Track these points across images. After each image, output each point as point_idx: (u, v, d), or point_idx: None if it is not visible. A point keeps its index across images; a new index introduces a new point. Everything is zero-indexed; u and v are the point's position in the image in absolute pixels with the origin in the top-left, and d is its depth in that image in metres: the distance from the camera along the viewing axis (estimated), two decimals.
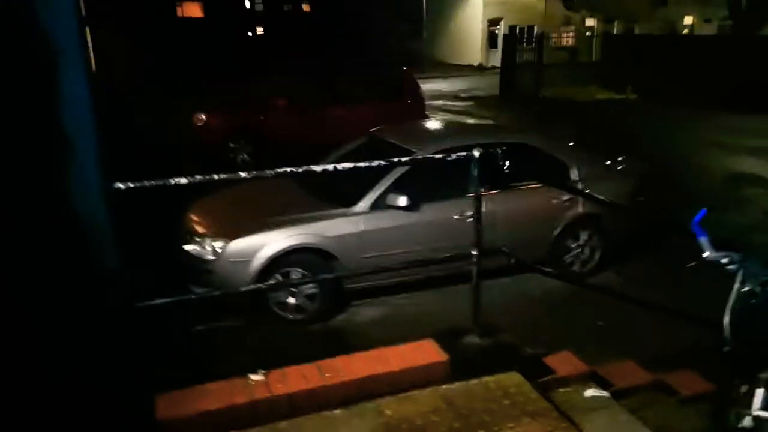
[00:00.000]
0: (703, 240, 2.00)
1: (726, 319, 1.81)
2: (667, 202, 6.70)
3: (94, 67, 17.26)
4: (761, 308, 1.73)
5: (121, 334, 0.59)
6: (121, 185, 2.18)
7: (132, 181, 2.21)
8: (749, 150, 10.88)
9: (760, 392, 1.64)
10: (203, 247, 4.43)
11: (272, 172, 2.57)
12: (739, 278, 1.82)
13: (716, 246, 2.00)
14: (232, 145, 9.25)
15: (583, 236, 5.38)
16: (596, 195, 4.70)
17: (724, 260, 1.86)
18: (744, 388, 1.69)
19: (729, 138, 11.93)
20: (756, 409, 1.63)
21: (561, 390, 2.92)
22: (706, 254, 1.96)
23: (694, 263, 2.07)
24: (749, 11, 23.05)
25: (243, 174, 2.56)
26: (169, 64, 17.45)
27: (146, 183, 2.21)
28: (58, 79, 0.49)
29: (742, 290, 1.78)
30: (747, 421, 1.63)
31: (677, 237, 5.54)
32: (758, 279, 1.77)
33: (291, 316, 4.50)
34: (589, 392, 2.89)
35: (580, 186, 5.28)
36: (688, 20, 34.72)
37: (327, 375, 2.67)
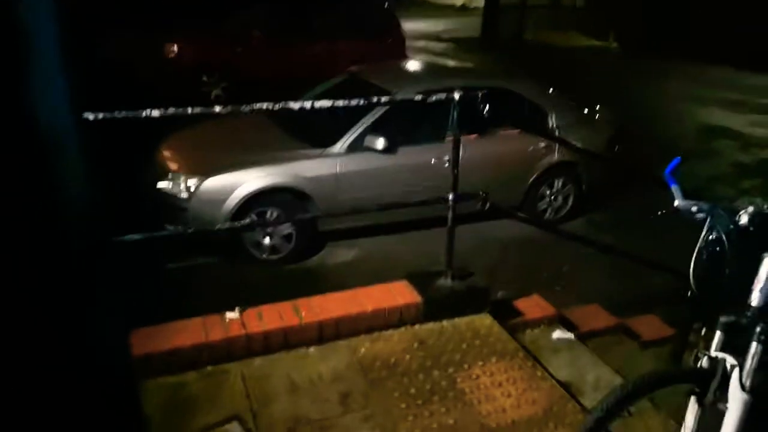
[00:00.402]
0: (675, 188, 2.03)
1: (692, 266, 1.87)
2: (641, 152, 6.79)
3: None
4: (725, 256, 1.79)
5: (95, 269, 0.57)
6: (90, 115, 2.11)
7: (101, 112, 2.13)
8: (721, 102, 11.01)
9: (718, 335, 1.73)
10: (177, 185, 4.35)
11: (249, 108, 2.50)
12: (706, 227, 1.87)
13: (686, 195, 2.04)
14: (205, 78, 8.95)
15: (558, 184, 5.44)
16: (573, 143, 4.73)
17: (693, 209, 1.90)
18: (703, 331, 1.77)
19: (704, 90, 12.02)
20: (713, 350, 1.72)
21: (529, 331, 3.03)
22: (676, 203, 2.00)
23: (663, 210, 2.12)
24: None
25: (218, 109, 2.49)
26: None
27: (117, 114, 2.13)
28: None
29: (709, 238, 1.84)
30: (704, 362, 1.72)
31: (650, 187, 5.67)
32: (724, 228, 1.82)
33: (266, 256, 4.51)
34: (556, 334, 3.00)
35: (557, 133, 5.29)
36: None
37: (303, 314, 2.70)
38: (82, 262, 0.62)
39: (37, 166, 0.54)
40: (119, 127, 2.27)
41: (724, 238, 1.79)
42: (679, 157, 2.06)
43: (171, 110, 2.25)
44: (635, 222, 5.48)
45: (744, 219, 1.73)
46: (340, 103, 2.73)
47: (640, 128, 8.04)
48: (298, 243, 4.56)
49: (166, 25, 10.47)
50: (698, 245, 1.87)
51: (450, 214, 2.98)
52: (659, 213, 2.06)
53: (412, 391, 2.45)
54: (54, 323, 0.58)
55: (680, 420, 1.90)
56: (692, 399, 1.80)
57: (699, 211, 1.86)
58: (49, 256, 0.58)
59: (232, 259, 4.48)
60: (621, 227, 5.42)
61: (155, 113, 2.17)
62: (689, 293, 1.87)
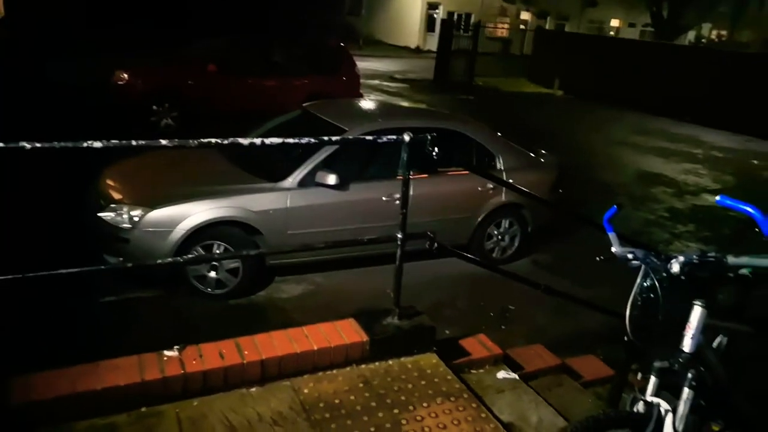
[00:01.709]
0: (612, 236, 2.12)
1: (627, 311, 1.94)
2: (582, 194, 7.08)
3: (2, 11, 15.71)
4: (659, 302, 1.87)
5: None
6: (26, 144, 2.02)
7: (40, 141, 2.05)
8: (657, 150, 11.67)
9: (652, 380, 1.78)
10: (119, 215, 4.20)
11: (196, 142, 2.45)
12: (641, 273, 1.96)
13: (623, 242, 2.13)
14: (155, 107, 8.79)
15: (505, 224, 5.58)
16: (519, 186, 4.88)
17: (629, 256, 1.99)
18: (639, 375, 1.83)
19: (641, 138, 12.73)
20: (648, 395, 1.77)
21: (474, 371, 3.04)
22: (613, 249, 2.09)
23: (601, 257, 2.20)
24: (669, 20, 24.52)
25: (164, 142, 2.43)
26: (94, 16, 16.20)
27: (55, 145, 2.05)
28: None
29: (644, 285, 1.92)
30: (640, 406, 1.77)
31: (589, 229, 5.88)
32: (658, 275, 1.91)
33: (211, 290, 4.38)
34: (501, 374, 3.03)
35: (504, 176, 5.45)
36: (614, 23, 36.41)
37: (245, 352, 2.63)
38: None
39: None
40: (61, 154, 2.19)
41: (657, 285, 1.87)
42: (615, 206, 2.16)
43: (114, 142, 2.19)
44: (577, 263, 5.66)
45: (675, 267, 1.81)
46: (291, 140, 2.73)
47: (582, 172, 8.41)
48: (244, 277, 4.46)
49: (119, 51, 10.30)
50: (633, 291, 1.95)
51: (398, 253, 3.00)
52: (598, 259, 2.14)
53: None
54: None
55: None
56: None
57: (634, 258, 1.95)
58: None
59: (175, 293, 4.33)
60: (564, 267, 5.58)
61: (97, 144, 2.11)
62: (625, 337, 1.94)
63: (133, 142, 2.24)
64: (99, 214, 4.27)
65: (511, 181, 5.17)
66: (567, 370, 3.38)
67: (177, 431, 2.30)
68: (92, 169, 4.79)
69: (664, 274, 1.87)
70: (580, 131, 12.94)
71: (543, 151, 6.36)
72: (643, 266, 1.93)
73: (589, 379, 3.33)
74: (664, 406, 1.72)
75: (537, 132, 10.85)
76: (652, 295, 1.88)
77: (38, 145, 1.95)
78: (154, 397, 2.41)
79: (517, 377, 3.04)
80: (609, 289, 4.26)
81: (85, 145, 2.09)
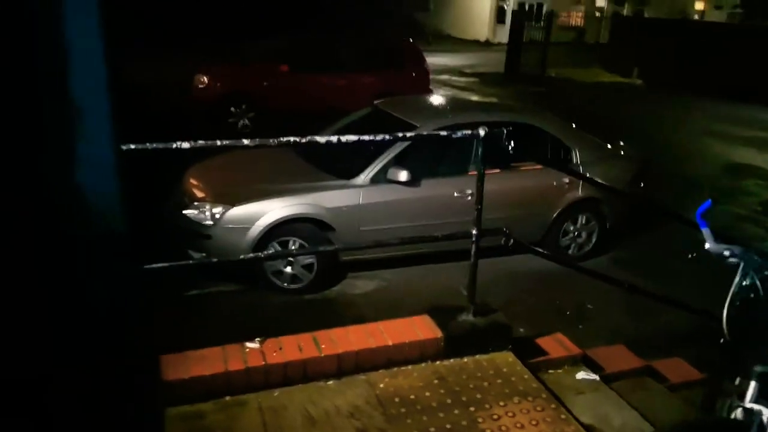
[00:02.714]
0: (706, 231, 1.99)
1: (725, 312, 1.82)
2: (666, 189, 6.71)
3: None
4: (760, 302, 1.74)
5: (130, 300, 0.58)
6: (124, 147, 2.15)
7: (133, 144, 2.18)
8: (747, 140, 10.88)
9: (753, 385, 1.66)
10: (202, 212, 4.41)
11: (276, 141, 2.53)
12: (740, 271, 1.83)
13: (718, 238, 2.00)
14: (233, 109, 9.14)
15: (582, 220, 5.39)
16: (597, 179, 4.69)
17: (726, 253, 1.86)
18: (737, 380, 1.72)
19: (729, 127, 11.91)
20: (748, 401, 1.66)
21: (552, 371, 2.96)
22: (707, 245, 1.96)
23: (694, 254, 2.08)
24: (759, 0, 22.77)
25: (246, 141, 2.53)
26: (171, 24, 17.04)
27: (149, 146, 2.18)
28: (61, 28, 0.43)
29: (743, 284, 1.79)
30: (738, 413, 1.66)
31: (674, 224, 5.57)
32: (758, 273, 1.78)
33: (287, 285, 4.51)
34: (580, 375, 2.93)
35: (581, 169, 5.26)
36: (699, 6, 34.26)
37: (322, 346, 2.68)
38: (122, 294, 0.62)
39: (72, 210, 0.54)
40: (148, 154, 2.32)
41: (758, 283, 1.74)
42: (710, 200, 2.03)
43: (201, 143, 2.29)
44: (661, 260, 5.39)
45: None
46: (367, 137, 2.75)
47: (665, 165, 7.97)
48: (318, 273, 4.56)
49: (197, 56, 10.77)
50: (731, 290, 1.83)
51: (473, 250, 2.96)
52: (690, 256, 2.02)
53: (432, 429, 2.40)
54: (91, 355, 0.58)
55: None
56: None
57: (731, 255, 1.82)
58: (85, 292, 0.57)
59: (253, 287, 4.49)
60: (646, 266, 5.32)
61: (185, 145, 2.22)
62: (722, 339, 1.82)
63: (218, 142, 2.34)
64: (183, 212, 4.50)
65: (588, 175, 4.98)
66: (652, 372, 3.22)
67: (259, 420, 2.39)
68: (174, 170, 5.04)
69: (766, 273, 1.74)
70: (662, 122, 12.27)
71: (622, 143, 6.09)
72: (742, 264, 1.81)
73: (677, 382, 3.15)
74: (766, 413, 1.61)
75: (615, 124, 10.39)
76: (752, 295, 1.75)
77: (133, 147, 2.07)
78: (238, 386, 2.51)
79: (597, 378, 2.93)
80: (697, 288, 4.03)
81: (174, 146, 2.20)
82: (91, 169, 0.56)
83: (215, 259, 3.87)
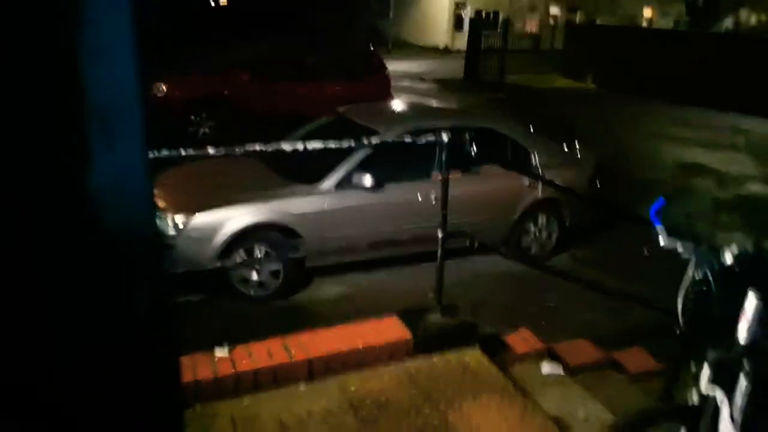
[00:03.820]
0: (660, 228, 2.10)
1: (679, 303, 1.91)
2: (620, 189, 6.96)
3: None
4: (712, 294, 1.84)
5: (160, 303, 0.59)
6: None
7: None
8: (697, 141, 11.36)
9: (706, 370, 1.76)
10: (164, 222, 4.34)
11: (241, 149, 2.54)
12: (691, 265, 1.93)
13: (671, 235, 2.10)
14: (193, 117, 9.01)
15: (542, 220, 5.53)
16: (555, 181, 4.84)
17: (679, 249, 1.96)
18: (693, 367, 1.81)
19: (680, 129, 12.41)
20: (703, 386, 1.75)
21: (518, 366, 3.04)
22: (662, 242, 2.06)
23: (649, 251, 2.18)
24: (704, 8, 23.85)
25: (211, 150, 2.52)
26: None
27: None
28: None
29: (695, 277, 1.89)
30: (694, 398, 1.75)
31: (629, 223, 5.77)
32: (709, 266, 1.88)
33: (254, 293, 4.48)
34: (545, 368, 3.01)
35: (539, 171, 5.41)
36: (647, 13, 35.60)
37: (292, 351, 2.69)
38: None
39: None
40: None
41: (709, 276, 1.84)
42: (662, 198, 2.13)
43: (164, 153, 2.28)
44: (619, 258, 5.58)
45: (728, 258, 1.78)
46: (332, 144, 2.78)
47: (620, 166, 8.26)
48: (285, 279, 4.54)
49: (154, 63, 10.54)
50: (684, 283, 1.93)
51: (439, 252, 3.02)
52: (645, 253, 2.12)
53: (404, 430, 2.43)
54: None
55: None
56: None
57: (684, 251, 1.92)
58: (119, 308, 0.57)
59: (219, 296, 4.44)
60: (606, 263, 5.50)
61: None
62: (677, 330, 1.91)
63: (182, 152, 2.33)
64: None
65: (546, 176, 5.13)
66: (613, 364, 3.34)
67: (231, 429, 2.37)
68: None
69: (716, 266, 1.84)
70: (616, 125, 12.70)
71: (578, 146, 6.28)
72: (693, 258, 1.91)
73: (636, 372, 3.27)
74: (719, 396, 1.70)
75: (571, 127, 10.70)
76: (704, 288, 1.85)
77: None
78: (208, 395, 2.49)
79: (562, 372, 3.02)
80: (653, 284, 4.19)
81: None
82: (123, 174, 0.57)
83: (180, 270, 3.81)
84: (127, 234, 0.58)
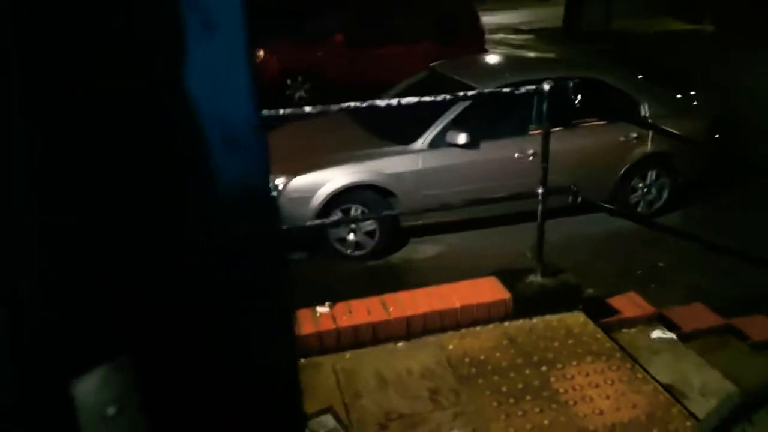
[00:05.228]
0: None
1: None
2: (747, 141, 6.30)
3: None
4: None
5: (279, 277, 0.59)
6: None
7: None
8: None
9: None
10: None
11: (337, 107, 2.54)
12: None
13: None
14: (289, 81, 9.22)
15: (651, 176, 5.16)
16: (669, 130, 4.46)
17: None
18: None
19: None
20: None
21: (625, 331, 2.89)
22: None
23: None
24: None
25: (308, 109, 2.55)
26: None
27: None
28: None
29: None
30: None
31: (753, 179, 5.25)
32: None
33: (350, 252, 4.58)
34: (655, 334, 2.84)
35: (649, 122, 5.01)
36: None
37: (391, 309, 2.72)
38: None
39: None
40: None
41: None
42: None
43: (264, 113, 2.32)
44: (739, 216, 5.11)
45: None
46: (427, 99, 2.72)
47: (740, 117, 7.47)
48: (381, 239, 4.60)
49: (255, 32, 10.84)
50: None
51: (540, 209, 2.90)
52: None
53: (504, 389, 2.40)
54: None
55: None
56: None
57: None
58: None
59: (318, 255, 4.59)
60: (723, 222, 5.05)
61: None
62: None
63: (281, 111, 2.37)
64: None
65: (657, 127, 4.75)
66: (732, 330, 3.08)
67: (334, 381, 2.46)
68: None
69: None
70: (739, 71, 11.45)
71: (693, 93, 5.74)
72: None
73: (760, 340, 3.01)
74: None
75: (687, 75, 9.79)
76: None
77: None
78: (311, 349, 2.59)
79: (674, 337, 2.84)
80: None
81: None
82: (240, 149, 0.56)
83: (284, 227, 3.96)
84: (245, 195, 0.57)
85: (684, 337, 2.87)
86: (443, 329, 2.76)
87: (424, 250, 4.78)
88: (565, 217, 4.61)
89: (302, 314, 2.72)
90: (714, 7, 16.39)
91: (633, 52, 12.64)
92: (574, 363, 2.52)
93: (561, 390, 2.38)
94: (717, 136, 5.35)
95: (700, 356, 2.70)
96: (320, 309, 2.73)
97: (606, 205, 3.46)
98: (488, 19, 15.50)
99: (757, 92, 9.66)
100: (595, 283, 3.92)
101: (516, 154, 4.68)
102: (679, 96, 5.54)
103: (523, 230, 3.77)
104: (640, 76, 5.68)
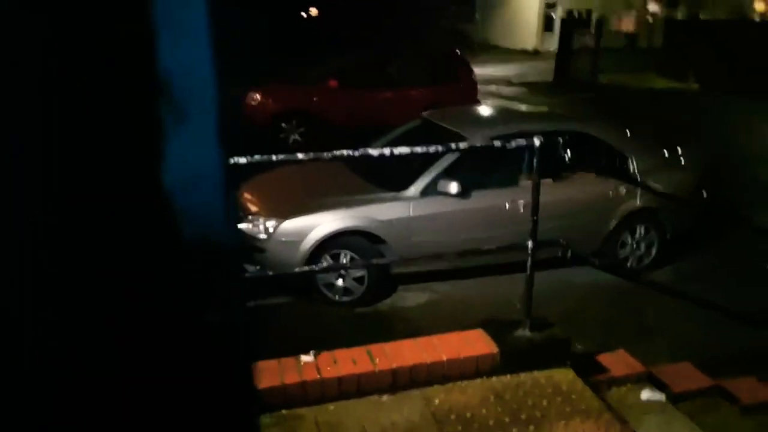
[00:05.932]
0: None
1: None
2: (730, 196, 6.40)
3: None
4: None
5: (240, 311, 0.58)
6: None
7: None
8: None
9: None
10: (256, 226, 4.49)
11: (329, 155, 2.56)
12: None
13: None
14: (283, 125, 9.32)
15: (640, 230, 5.19)
16: (656, 187, 4.53)
17: None
18: None
19: None
20: None
21: (615, 389, 2.85)
22: None
23: None
24: None
25: (301, 155, 2.56)
26: (226, 47, 17.54)
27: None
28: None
29: None
30: None
31: (743, 234, 5.29)
32: None
33: (338, 298, 4.53)
34: (645, 394, 2.80)
35: (639, 178, 5.08)
36: (759, 6, 32.79)
37: (377, 360, 2.67)
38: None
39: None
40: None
41: None
42: None
43: (257, 157, 2.33)
44: (729, 272, 5.12)
45: None
46: (419, 149, 2.74)
47: (731, 170, 7.60)
48: (370, 285, 4.56)
49: (245, 73, 11.05)
50: None
51: (529, 262, 2.89)
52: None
53: None
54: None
55: None
56: None
57: None
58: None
59: (305, 299, 4.53)
60: (712, 278, 5.06)
61: (242, 160, 2.26)
62: None
63: (273, 157, 2.38)
64: (237, 225, 4.59)
65: (646, 182, 4.81)
66: (722, 392, 3.05)
67: None
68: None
69: None
70: (723, 126, 11.74)
71: (680, 149, 5.85)
72: None
73: (749, 403, 2.97)
74: None
75: (675, 130, 10.02)
76: None
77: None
78: (294, 399, 2.53)
79: (663, 398, 2.79)
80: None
81: (231, 161, 2.24)
82: (198, 181, 0.56)
83: (270, 273, 3.92)
84: (200, 237, 0.56)
85: (673, 398, 2.82)
86: (429, 382, 2.70)
87: (413, 297, 4.73)
88: (554, 269, 4.61)
89: (286, 363, 2.66)
90: (698, 66, 16.92)
91: (621, 107, 12.95)
92: (563, 423, 2.47)
93: None
94: (704, 192, 5.43)
95: (690, 418, 2.66)
96: (304, 358, 2.67)
97: (594, 260, 3.46)
98: (482, 70, 15.89)
99: (744, 144, 9.89)
100: (583, 335, 3.88)
101: (507, 204, 4.71)
102: (666, 150, 5.64)
103: (514, 280, 3.74)
104: (628, 132, 5.78)
